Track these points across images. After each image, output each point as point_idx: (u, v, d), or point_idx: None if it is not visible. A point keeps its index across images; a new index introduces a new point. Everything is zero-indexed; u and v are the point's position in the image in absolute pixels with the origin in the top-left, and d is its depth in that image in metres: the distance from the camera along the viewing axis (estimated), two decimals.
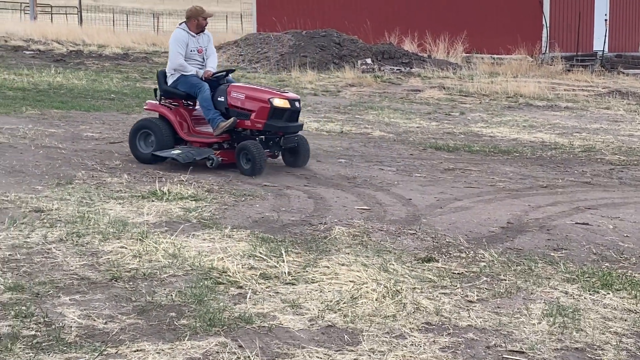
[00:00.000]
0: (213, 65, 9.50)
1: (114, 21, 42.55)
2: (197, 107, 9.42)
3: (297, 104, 9.14)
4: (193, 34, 9.39)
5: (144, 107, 9.91)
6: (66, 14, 46.48)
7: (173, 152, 8.99)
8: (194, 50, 9.39)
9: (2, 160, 8.69)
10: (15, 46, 26.92)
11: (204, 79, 9.24)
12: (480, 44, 27.04)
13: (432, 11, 29.49)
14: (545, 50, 26.02)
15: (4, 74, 17.85)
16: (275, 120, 8.93)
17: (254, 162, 8.67)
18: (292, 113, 9.10)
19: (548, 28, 26.33)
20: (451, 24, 27.92)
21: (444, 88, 18.79)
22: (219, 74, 9.42)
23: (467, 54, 26.21)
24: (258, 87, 9.66)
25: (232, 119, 8.99)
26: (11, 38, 29.41)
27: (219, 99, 9.15)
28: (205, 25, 9.49)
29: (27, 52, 25.55)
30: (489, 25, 27.47)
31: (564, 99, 17.55)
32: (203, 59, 9.47)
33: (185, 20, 9.53)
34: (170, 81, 9.39)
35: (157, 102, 9.46)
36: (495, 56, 25.27)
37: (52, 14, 45.48)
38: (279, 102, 8.93)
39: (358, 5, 32.06)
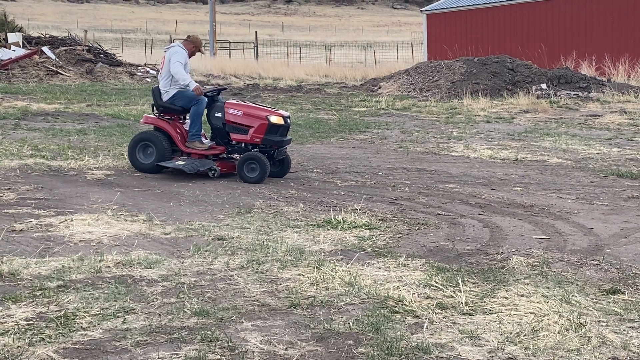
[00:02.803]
0: None
1: (287, 54, 43.87)
2: (186, 120, 10.36)
3: (288, 120, 10.16)
4: (187, 54, 10.34)
5: (142, 121, 10.86)
6: (243, 49, 48.48)
7: (178, 163, 9.89)
8: (187, 66, 10.43)
9: (186, 191, 9.12)
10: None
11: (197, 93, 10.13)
12: None
13: (611, 33, 28.47)
14: None
15: None
16: (271, 135, 9.93)
17: (263, 171, 9.62)
18: (285, 129, 10.07)
19: None
20: (632, 45, 26.82)
21: (626, 113, 17.98)
22: (212, 92, 10.36)
23: None
24: (253, 105, 10.51)
25: (207, 145, 10.14)
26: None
27: (215, 114, 10.16)
28: (193, 55, 10.58)
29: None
30: None
31: None
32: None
33: (184, 40, 10.54)
34: (166, 97, 10.29)
35: (155, 116, 10.38)
36: None
37: (230, 49, 47.54)
38: (275, 119, 9.92)
39: (532, 30, 31.45)
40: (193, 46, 10.47)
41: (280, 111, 10.31)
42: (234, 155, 10.31)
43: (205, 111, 10.25)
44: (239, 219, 7.69)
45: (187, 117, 10.35)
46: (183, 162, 9.90)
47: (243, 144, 10.10)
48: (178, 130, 10.24)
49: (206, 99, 10.19)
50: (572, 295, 5.29)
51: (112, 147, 12.29)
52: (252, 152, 9.87)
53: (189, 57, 10.43)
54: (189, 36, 10.83)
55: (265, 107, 10.47)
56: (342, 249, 6.64)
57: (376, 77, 27.83)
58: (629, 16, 28.37)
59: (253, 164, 9.72)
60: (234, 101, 10.58)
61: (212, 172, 9.88)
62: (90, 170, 10.23)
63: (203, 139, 10.32)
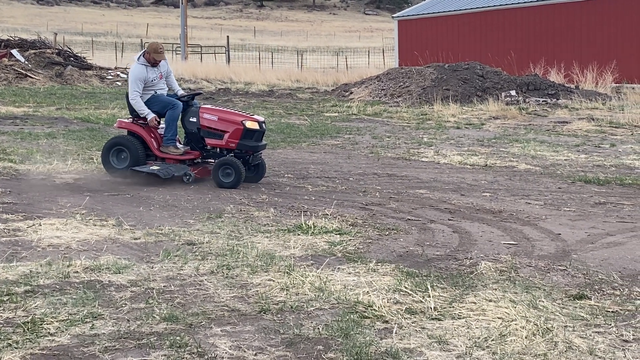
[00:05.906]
0: (174, 84, 10.55)
1: (259, 59, 43.83)
2: (161, 125, 10.27)
3: (263, 125, 10.13)
4: (149, 65, 10.19)
5: (115, 125, 10.76)
6: (215, 53, 48.35)
7: (152, 167, 9.84)
8: (155, 79, 10.24)
9: (156, 195, 9.08)
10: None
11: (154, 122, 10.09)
12: (630, 73, 26.09)
13: (579, 41, 28.78)
14: None
15: None
16: (246, 140, 9.92)
17: (238, 176, 9.60)
18: (260, 134, 10.05)
19: None
20: (599, 53, 27.15)
21: (593, 119, 18.20)
22: (187, 96, 10.31)
23: (617, 84, 25.38)
24: (229, 110, 10.45)
25: (182, 150, 10.09)
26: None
27: (190, 119, 10.15)
28: (157, 63, 10.23)
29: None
30: None
31: None
32: (164, 82, 10.45)
33: (142, 53, 10.33)
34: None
35: (129, 120, 10.32)
36: None
37: (201, 53, 47.40)
38: (250, 124, 9.91)
39: (502, 37, 31.71)
40: (148, 54, 10.18)
41: (256, 116, 10.28)
42: (209, 160, 10.28)
43: (180, 116, 10.21)
44: (209, 223, 7.67)
45: (162, 122, 10.30)
46: (157, 167, 9.84)
47: (218, 149, 10.08)
48: (152, 135, 10.18)
49: (181, 104, 10.14)
50: (540, 301, 5.34)
51: (82, 151, 12.20)
52: (227, 157, 9.83)
53: (153, 65, 10.19)
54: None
55: (240, 112, 10.42)
56: (313, 254, 6.65)
57: (348, 83, 27.90)
58: (597, 25, 28.71)
59: (228, 169, 9.69)
60: (209, 106, 10.53)
61: (187, 177, 9.85)
62: (59, 175, 10.15)
63: (177, 143, 10.27)
